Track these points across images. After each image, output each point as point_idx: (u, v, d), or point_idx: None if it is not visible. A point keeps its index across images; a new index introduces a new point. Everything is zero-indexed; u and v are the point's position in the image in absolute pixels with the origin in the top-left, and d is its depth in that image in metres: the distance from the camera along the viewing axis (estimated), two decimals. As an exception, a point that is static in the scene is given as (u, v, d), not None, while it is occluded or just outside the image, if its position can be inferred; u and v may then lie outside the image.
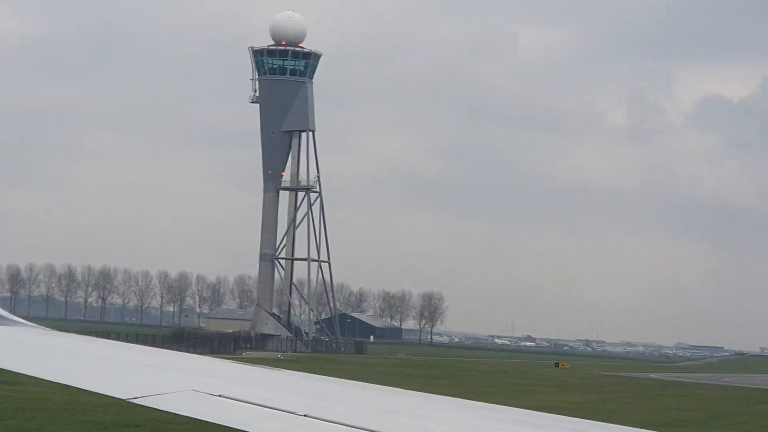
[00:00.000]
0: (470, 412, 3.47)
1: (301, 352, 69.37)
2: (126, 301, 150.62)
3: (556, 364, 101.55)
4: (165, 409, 3.06)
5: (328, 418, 2.53)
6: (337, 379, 4.05)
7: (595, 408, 41.31)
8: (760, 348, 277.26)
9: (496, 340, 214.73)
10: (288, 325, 76.86)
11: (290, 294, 79.74)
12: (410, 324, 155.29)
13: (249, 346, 69.43)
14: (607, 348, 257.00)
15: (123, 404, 3.16)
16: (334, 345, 76.96)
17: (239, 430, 2.50)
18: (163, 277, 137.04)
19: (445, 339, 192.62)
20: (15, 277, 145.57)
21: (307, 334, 76.79)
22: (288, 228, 73.86)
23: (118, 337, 53.73)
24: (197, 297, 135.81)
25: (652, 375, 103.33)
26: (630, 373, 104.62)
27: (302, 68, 70.46)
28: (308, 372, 5.54)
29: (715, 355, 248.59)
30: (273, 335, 74.01)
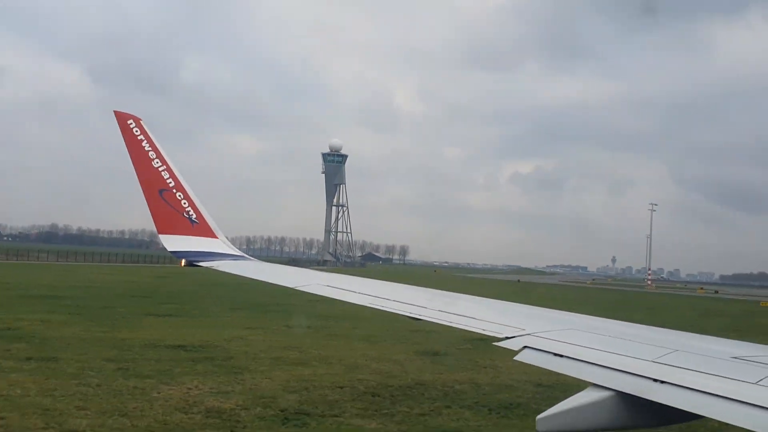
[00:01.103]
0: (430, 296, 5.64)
1: (339, 267, 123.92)
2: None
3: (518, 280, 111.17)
4: (312, 292, 5.54)
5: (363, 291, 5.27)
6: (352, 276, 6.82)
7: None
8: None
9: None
10: (335, 257, 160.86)
11: (336, 245, 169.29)
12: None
13: (319, 266, 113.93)
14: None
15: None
16: (353, 265, 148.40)
17: (345, 301, 5.01)
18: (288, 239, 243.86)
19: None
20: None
21: (339, 260, 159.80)
22: (334, 220, 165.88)
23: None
24: (302, 247, 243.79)
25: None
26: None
27: (340, 160, 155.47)
28: (343, 273, 9.55)
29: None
30: (329, 260, 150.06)
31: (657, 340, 4.22)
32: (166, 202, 6.35)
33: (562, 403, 3.24)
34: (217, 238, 6.69)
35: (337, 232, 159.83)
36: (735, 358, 3.62)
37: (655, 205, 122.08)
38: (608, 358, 3.63)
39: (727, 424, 2.69)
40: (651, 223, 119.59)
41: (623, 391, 3.27)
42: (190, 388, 11.66)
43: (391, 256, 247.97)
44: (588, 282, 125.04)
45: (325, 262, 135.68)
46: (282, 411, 10.36)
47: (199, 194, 6.69)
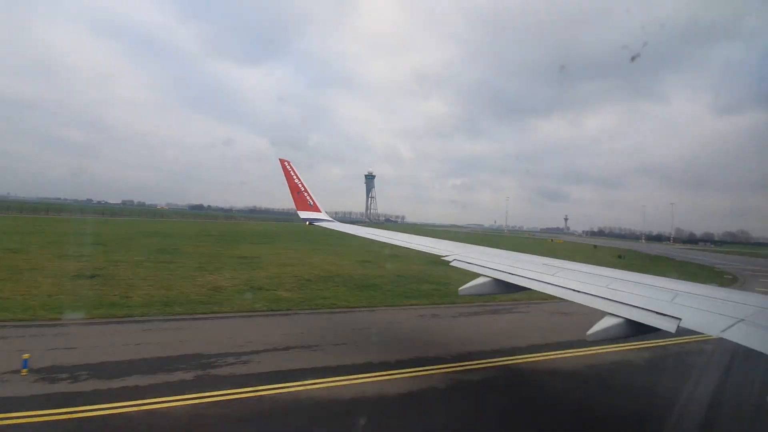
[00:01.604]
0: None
1: (371, 224, 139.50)
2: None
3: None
4: (351, 233, 12.45)
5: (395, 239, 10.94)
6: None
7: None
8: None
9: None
10: (369, 219, 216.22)
11: (369, 212, 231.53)
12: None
13: (362, 224, 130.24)
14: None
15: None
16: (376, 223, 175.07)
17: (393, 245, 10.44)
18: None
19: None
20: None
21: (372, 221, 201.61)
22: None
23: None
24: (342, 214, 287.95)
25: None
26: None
27: (373, 177, 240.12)
28: (372, 227, 13.83)
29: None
30: (367, 221, 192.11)
31: (509, 256, 8.13)
32: (301, 196, 14.08)
33: (469, 283, 6.80)
34: (321, 212, 14.36)
35: (369, 208, 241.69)
36: (545, 264, 7.19)
37: (508, 197, 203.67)
38: (490, 264, 7.38)
39: (539, 292, 5.99)
40: (507, 206, 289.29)
41: (495, 277, 6.75)
42: (218, 277, 19.61)
43: (397, 219, 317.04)
44: (481, 232, 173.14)
45: (363, 222, 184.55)
46: (251, 288, 17.33)
47: (315, 194, 14.59)
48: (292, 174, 13.96)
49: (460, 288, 6.85)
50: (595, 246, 72.22)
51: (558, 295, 5.61)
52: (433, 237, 11.23)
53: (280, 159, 14.13)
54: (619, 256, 43.19)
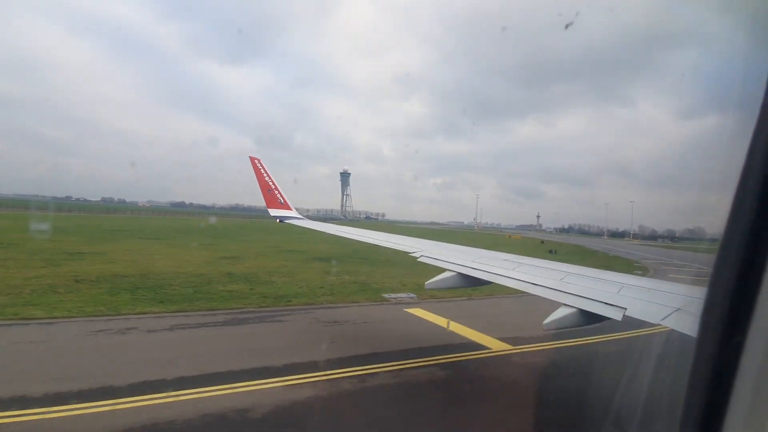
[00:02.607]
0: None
1: (345, 221, 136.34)
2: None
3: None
4: (320, 230, 12.71)
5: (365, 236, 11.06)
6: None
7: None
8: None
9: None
10: (345, 217, 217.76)
11: (345, 209, 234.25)
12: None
13: (336, 221, 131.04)
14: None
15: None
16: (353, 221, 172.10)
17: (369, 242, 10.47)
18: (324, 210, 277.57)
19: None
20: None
21: (348, 218, 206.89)
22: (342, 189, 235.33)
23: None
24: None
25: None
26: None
27: (348, 175, 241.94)
28: (343, 225, 13.95)
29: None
30: (340, 218, 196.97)
31: (472, 252, 8.68)
32: (271, 194, 14.10)
33: (436, 277, 7.15)
34: (291, 209, 14.44)
35: (345, 206, 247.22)
36: (505, 260, 7.58)
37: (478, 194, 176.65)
38: (455, 260, 7.80)
39: (500, 285, 6.35)
40: (477, 203, 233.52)
41: (460, 272, 7.09)
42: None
43: (377, 217, 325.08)
44: (457, 229, 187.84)
45: (339, 219, 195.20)
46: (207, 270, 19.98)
47: (286, 191, 14.65)
48: (263, 172, 13.96)
49: (427, 282, 7.09)
50: (542, 241, 75.13)
51: (519, 288, 5.95)
52: (394, 234, 11.53)
53: (250, 157, 14.13)
54: (550, 251, 45.59)
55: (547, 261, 7.41)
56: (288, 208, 14.07)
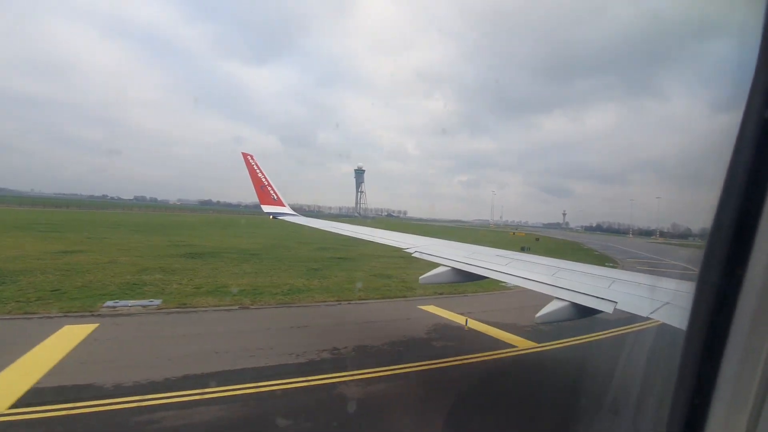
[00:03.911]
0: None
1: (357, 219, 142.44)
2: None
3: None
4: (311, 226, 12.19)
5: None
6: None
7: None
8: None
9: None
10: (359, 215, 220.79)
11: (359, 207, 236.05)
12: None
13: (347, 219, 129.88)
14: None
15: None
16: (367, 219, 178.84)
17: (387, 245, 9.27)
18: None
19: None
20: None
21: (362, 216, 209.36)
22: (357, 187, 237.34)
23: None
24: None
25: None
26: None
27: (362, 172, 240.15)
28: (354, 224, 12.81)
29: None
30: (356, 216, 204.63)
31: (466, 248, 8.30)
32: (264, 190, 14.23)
33: (430, 273, 7.04)
34: (284, 206, 14.50)
35: (359, 203, 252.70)
36: (498, 255, 7.52)
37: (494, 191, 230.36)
38: (449, 255, 7.63)
39: (495, 280, 6.52)
40: (492, 200, 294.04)
41: (454, 267, 6.99)
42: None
43: (398, 215, 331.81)
44: (479, 227, 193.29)
45: (352, 217, 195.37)
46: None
47: (281, 187, 14.74)
48: (256, 168, 14.11)
49: (421, 277, 7.10)
50: (537, 239, 75.43)
51: (512, 283, 5.99)
52: (397, 231, 11.30)
53: (243, 153, 14.29)
54: (522, 248, 45.70)
55: (541, 257, 7.36)
56: (281, 204, 14.18)
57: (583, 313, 4.95)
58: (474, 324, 12.32)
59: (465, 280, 6.96)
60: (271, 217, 13.93)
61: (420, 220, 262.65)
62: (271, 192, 14.09)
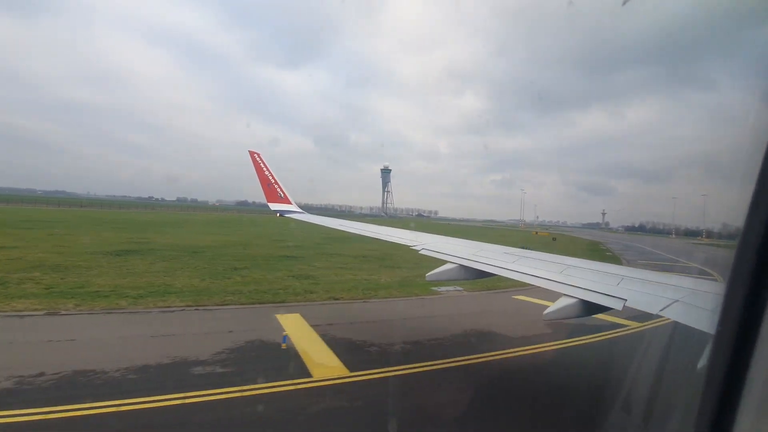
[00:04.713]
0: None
1: (381, 219, 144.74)
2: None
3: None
4: (315, 223, 12.11)
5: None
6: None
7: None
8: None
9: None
10: (386, 214, 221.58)
11: (386, 207, 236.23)
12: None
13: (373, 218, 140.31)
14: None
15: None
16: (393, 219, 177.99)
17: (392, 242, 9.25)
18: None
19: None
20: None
21: (388, 216, 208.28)
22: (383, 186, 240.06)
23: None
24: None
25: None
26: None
27: (389, 171, 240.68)
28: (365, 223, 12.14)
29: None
30: (382, 216, 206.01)
31: (474, 245, 8.43)
32: (271, 188, 13.91)
33: (437, 269, 7.05)
34: (291, 204, 14.15)
35: (385, 203, 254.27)
36: (505, 252, 7.68)
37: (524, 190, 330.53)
38: (455, 252, 7.74)
39: (501, 277, 6.40)
40: (522, 198, 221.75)
41: (460, 263, 7.06)
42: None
43: (429, 215, 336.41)
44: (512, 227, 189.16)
45: (378, 217, 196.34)
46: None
47: (288, 185, 14.38)
48: (262, 166, 13.83)
49: (428, 274, 6.96)
50: (554, 238, 72.20)
51: (519, 280, 5.90)
52: (423, 231, 10.89)
53: (249, 151, 14.04)
54: (523, 247, 45.13)
55: (549, 254, 7.26)
56: (288, 202, 13.83)
57: (592, 310, 4.87)
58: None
59: (472, 277, 6.86)
60: (278, 214, 13.61)
61: (452, 220, 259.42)
62: (278, 190, 13.77)
